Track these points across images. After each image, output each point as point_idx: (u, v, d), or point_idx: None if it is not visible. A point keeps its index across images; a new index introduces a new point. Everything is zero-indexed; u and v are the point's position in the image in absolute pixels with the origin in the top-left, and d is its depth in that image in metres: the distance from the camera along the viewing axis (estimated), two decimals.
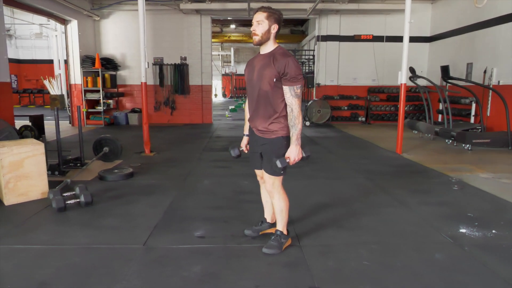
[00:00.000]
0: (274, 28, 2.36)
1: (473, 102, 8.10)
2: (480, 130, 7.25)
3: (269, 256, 2.51)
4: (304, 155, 2.40)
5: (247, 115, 2.66)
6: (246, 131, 2.74)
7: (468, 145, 6.61)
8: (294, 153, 2.35)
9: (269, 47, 2.40)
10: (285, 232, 2.62)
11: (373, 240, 2.80)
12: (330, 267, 2.39)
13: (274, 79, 2.32)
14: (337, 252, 2.59)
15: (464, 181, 4.51)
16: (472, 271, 2.35)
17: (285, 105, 2.37)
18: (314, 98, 11.04)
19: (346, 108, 10.96)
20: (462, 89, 7.64)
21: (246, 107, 2.66)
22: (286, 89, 2.32)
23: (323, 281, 2.22)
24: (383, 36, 10.71)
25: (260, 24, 2.33)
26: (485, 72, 8.00)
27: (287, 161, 2.36)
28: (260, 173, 2.68)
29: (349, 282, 2.22)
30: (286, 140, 2.41)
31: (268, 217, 2.83)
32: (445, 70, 7.43)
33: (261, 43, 2.37)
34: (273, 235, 2.62)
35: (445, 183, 4.43)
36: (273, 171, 2.43)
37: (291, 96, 2.32)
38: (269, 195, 2.59)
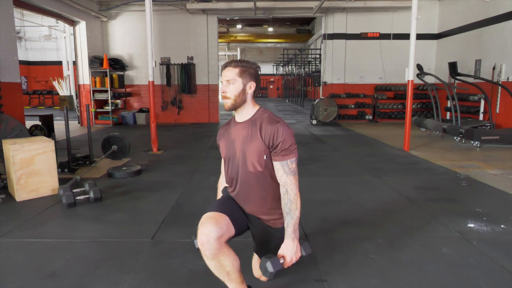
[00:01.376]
0: (251, 86, 1.81)
1: (481, 99, 8.00)
2: (489, 127, 7.16)
3: None
4: (304, 253, 1.81)
5: (220, 192, 2.12)
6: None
7: (476, 142, 6.54)
8: (290, 251, 1.74)
9: (248, 112, 1.83)
10: None
11: (380, 235, 2.79)
12: (337, 261, 2.40)
13: (265, 156, 1.77)
14: (343, 246, 2.59)
15: (473, 177, 4.47)
16: (480, 265, 2.33)
17: (279, 188, 1.80)
18: (320, 97, 11.01)
19: (353, 106, 10.91)
20: (471, 86, 7.56)
21: (221, 184, 2.12)
22: (277, 165, 1.77)
23: (329, 274, 2.23)
24: (390, 34, 10.63)
25: (232, 83, 1.77)
26: (494, 68, 7.89)
27: (281, 261, 1.71)
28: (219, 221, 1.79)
29: (356, 276, 2.22)
30: (280, 232, 1.83)
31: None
32: (453, 66, 7.36)
33: (235, 107, 1.80)
34: None
35: (453, 180, 4.39)
36: (268, 275, 1.68)
37: (284, 173, 1.76)
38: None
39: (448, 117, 9.46)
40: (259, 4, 9.66)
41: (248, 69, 1.81)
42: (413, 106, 10.03)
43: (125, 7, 10.32)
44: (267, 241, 1.92)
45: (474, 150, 6.31)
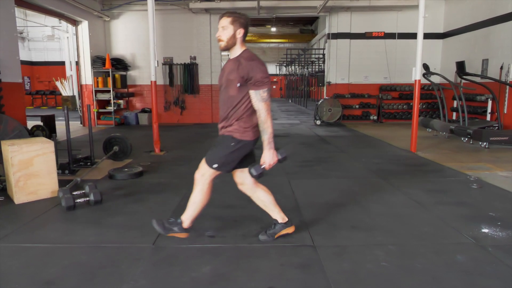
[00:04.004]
0: (240, 32, 2.33)
1: (489, 99, 7.86)
2: (497, 127, 7.01)
3: (282, 257, 2.42)
4: (280, 157, 2.36)
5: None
6: None
7: (485, 143, 6.40)
8: (268, 158, 2.33)
9: (236, 52, 2.37)
10: (186, 225, 2.55)
11: (390, 241, 2.68)
12: (346, 268, 2.29)
13: (238, 84, 2.28)
14: (352, 253, 2.48)
15: (483, 179, 4.34)
16: (498, 275, 2.21)
17: (248, 110, 2.34)
18: (324, 97, 10.89)
19: (357, 106, 10.78)
20: (478, 85, 7.42)
21: None
22: (252, 93, 2.29)
23: (338, 283, 2.12)
24: (395, 33, 10.50)
25: (225, 29, 2.32)
26: (501, 68, 7.75)
27: (262, 167, 2.33)
28: (238, 180, 2.59)
29: (367, 286, 2.11)
30: (235, 143, 2.36)
31: (278, 217, 2.68)
32: (460, 66, 7.22)
33: (227, 48, 2.36)
34: (175, 224, 2.55)
35: (463, 182, 4.27)
36: (207, 161, 2.40)
37: (257, 100, 2.28)
38: (194, 182, 2.49)
39: (454, 117, 9.32)
40: (262, 3, 9.56)
41: (239, 19, 2.33)
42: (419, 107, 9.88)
43: (128, 7, 10.25)
44: (214, 145, 2.46)
45: (483, 151, 6.17)
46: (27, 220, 3.08)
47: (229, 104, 2.36)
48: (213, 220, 3.09)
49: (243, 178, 2.55)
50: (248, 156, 2.50)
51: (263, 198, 2.63)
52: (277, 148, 2.37)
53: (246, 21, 2.37)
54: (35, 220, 3.09)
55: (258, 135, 2.41)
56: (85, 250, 2.53)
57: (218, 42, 2.36)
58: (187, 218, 2.55)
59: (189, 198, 2.55)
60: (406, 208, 3.41)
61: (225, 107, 2.39)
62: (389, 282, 2.14)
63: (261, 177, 2.37)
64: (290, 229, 2.70)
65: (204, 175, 2.45)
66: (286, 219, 2.68)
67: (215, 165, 2.39)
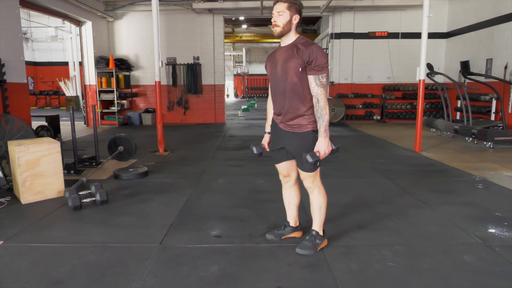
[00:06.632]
0: (296, 18, 2.27)
1: (493, 98, 7.82)
2: (501, 127, 6.99)
3: (289, 257, 2.42)
4: (333, 147, 2.30)
5: (269, 112, 2.58)
6: (268, 129, 2.62)
7: (489, 143, 6.38)
8: (323, 146, 2.24)
9: (290, 38, 2.30)
10: (321, 232, 2.51)
11: (397, 241, 2.67)
12: (353, 268, 2.29)
13: (300, 69, 2.22)
14: (360, 254, 2.48)
15: (489, 179, 4.32)
16: (506, 275, 2.21)
17: (312, 97, 2.27)
18: (328, 97, 10.87)
19: (360, 106, 10.76)
20: (482, 85, 7.39)
21: (269, 104, 2.58)
22: (311, 78, 2.22)
23: (346, 283, 2.12)
24: (398, 33, 10.47)
25: (281, 15, 2.24)
26: (506, 67, 7.71)
27: (317, 155, 2.25)
28: (283, 170, 2.56)
29: (375, 286, 2.10)
30: (315, 134, 2.31)
31: (291, 220, 2.69)
32: (465, 65, 7.20)
33: (282, 34, 2.28)
34: (315, 237, 2.48)
35: (468, 182, 4.25)
36: (309, 168, 2.33)
37: (316, 85, 2.21)
38: (308, 191, 2.46)
39: (458, 117, 9.29)
40: (266, 3, 9.55)
41: (294, 4, 2.26)
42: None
43: (131, 7, 10.28)
44: (299, 151, 2.35)
45: (487, 151, 6.15)
46: (35, 220, 3.09)
47: (293, 93, 2.27)
48: (219, 220, 3.10)
49: (290, 170, 2.54)
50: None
51: (294, 196, 2.63)
52: (330, 138, 2.30)
53: (301, 7, 2.31)
54: (42, 220, 3.11)
55: None
56: (93, 250, 2.54)
57: (273, 28, 2.27)
58: (319, 227, 2.50)
59: (311, 207, 2.49)
60: (412, 208, 3.41)
61: (288, 96, 2.29)
62: (397, 282, 2.14)
63: (316, 165, 2.31)
64: (298, 234, 2.71)
65: (314, 181, 2.41)
66: (297, 224, 2.70)
67: (318, 163, 2.32)
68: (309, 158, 2.22)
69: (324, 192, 2.48)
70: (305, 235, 2.74)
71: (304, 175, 2.41)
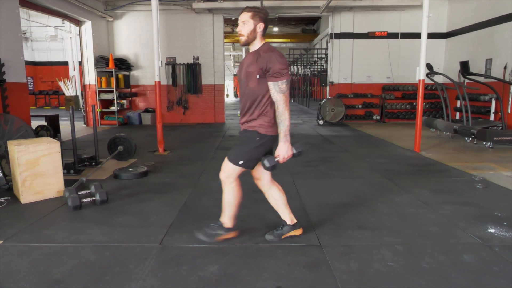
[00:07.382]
0: (260, 27, 2.35)
1: (493, 99, 7.83)
2: (500, 127, 7.00)
3: (289, 257, 2.43)
4: (295, 151, 2.34)
5: None
6: None
7: (489, 143, 6.38)
8: (283, 151, 2.30)
9: (256, 46, 2.38)
10: (228, 225, 2.59)
11: (397, 241, 2.68)
12: (353, 268, 2.29)
13: (258, 76, 2.29)
14: (359, 253, 2.48)
15: (488, 179, 4.33)
16: (506, 275, 2.21)
17: (271, 104, 2.33)
18: (327, 97, 10.89)
19: (360, 106, 10.77)
20: (481, 85, 7.40)
21: None
22: (270, 85, 2.28)
23: (346, 283, 2.12)
24: (398, 33, 10.48)
25: (246, 24, 2.33)
26: (505, 67, 7.73)
27: (276, 159, 2.30)
28: (255, 173, 2.58)
29: (374, 285, 2.11)
30: (260, 138, 2.35)
31: (286, 219, 2.69)
32: (464, 65, 7.20)
33: (247, 43, 2.37)
34: (218, 227, 2.61)
35: (468, 182, 4.26)
36: (232, 159, 2.39)
37: (276, 92, 2.27)
38: (222, 185, 2.52)
39: (458, 117, 9.29)
40: (265, 3, 9.56)
41: (259, 13, 2.34)
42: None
43: (131, 7, 10.28)
44: (238, 144, 2.48)
45: (487, 151, 6.15)
46: (34, 220, 3.09)
47: (250, 98, 2.36)
48: (218, 219, 3.09)
49: (261, 173, 2.56)
50: (269, 151, 2.49)
51: (276, 196, 2.64)
52: (292, 143, 2.34)
53: (266, 15, 2.38)
54: (42, 220, 3.11)
55: None
56: (93, 250, 2.54)
57: (239, 37, 2.36)
58: (227, 219, 2.58)
59: (222, 200, 2.57)
60: (412, 208, 3.41)
61: (246, 100, 2.39)
62: (396, 281, 2.14)
63: (274, 169, 2.36)
64: (298, 231, 2.71)
65: (229, 175, 2.45)
66: (295, 221, 2.69)
67: (241, 162, 2.38)
68: (266, 163, 2.28)
69: (237, 190, 2.51)
70: (306, 233, 2.75)
71: (224, 164, 2.46)
